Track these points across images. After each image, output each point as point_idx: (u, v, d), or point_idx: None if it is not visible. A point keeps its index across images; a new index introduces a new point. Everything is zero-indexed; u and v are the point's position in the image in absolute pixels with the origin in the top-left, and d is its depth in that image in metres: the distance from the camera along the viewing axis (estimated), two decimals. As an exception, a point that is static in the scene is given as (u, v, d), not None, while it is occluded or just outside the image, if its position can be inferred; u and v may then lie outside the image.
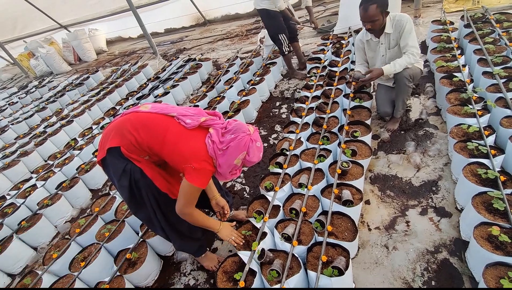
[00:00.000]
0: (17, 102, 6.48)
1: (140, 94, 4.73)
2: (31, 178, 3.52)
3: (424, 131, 2.57)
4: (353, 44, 3.76)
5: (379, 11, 2.18)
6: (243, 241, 1.89)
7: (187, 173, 1.50)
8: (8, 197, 3.29)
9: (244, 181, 2.76)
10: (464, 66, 2.70)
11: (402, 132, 2.65)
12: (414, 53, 2.32)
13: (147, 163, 1.65)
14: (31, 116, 5.36)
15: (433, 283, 1.63)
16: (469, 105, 2.28)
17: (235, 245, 1.86)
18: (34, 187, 3.25)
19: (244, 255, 1.79)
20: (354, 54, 3.17)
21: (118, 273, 1.99)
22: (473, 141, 2.01)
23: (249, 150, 1.54)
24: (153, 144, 1.55)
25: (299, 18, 3.99)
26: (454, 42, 3.06)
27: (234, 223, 1.99)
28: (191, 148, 1.51)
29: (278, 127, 3.30)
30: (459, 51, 2.90)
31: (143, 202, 1.71)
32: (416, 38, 2.33)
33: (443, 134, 2.50)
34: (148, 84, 4.96)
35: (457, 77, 2.60)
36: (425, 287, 1.63)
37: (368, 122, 2.58)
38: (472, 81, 2.64)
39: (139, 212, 1.80)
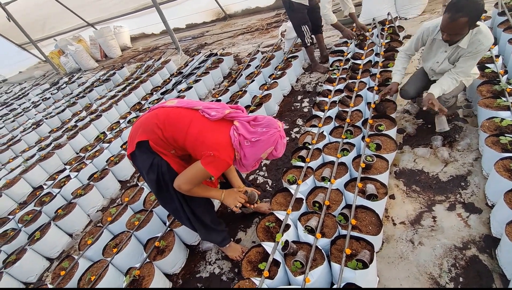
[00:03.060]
0: (49, 97, 6.84)
1: (164, 89, 4.87)
2: (65, 169, 3.73)
3: (453, 124, 2.48)
4: (377, 36, 3.66)
5: (468, 26, 1.82)
6: (245, 199, 1.91)
7: (204, 158, 1.52)
8: (45, 187, 3.52)
9: (266, 175, 2.80)
10: (497, 56, 2.58)
11: (429, 125, 2.57)
12: (458, 80, 2.12)
13: (173, 157, 1.71)
14: (63, 110, 5.66)
15: (461, 279, 1.60)
16: (502, 98, 2.18)
17: (239, 207, 1.88)
18: (68, 177, 3.45)
19: (268, 245, 1.84)
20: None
21: (147, 260, 2.10)
22: (506, 135, 1.93)
23: (277, 146, 1.60)
24: (178, 136, 1.60)
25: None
26: (487, 31, 2.91)
27: (243, 188, 2.01)
28: (214, 137, 1.54)
29: (299, 121, 3.30)
30: (492, 41, 2.76)
31: (170, 195, 1.78)
32: (473, 66, 2.11)
33: (473, 127, 2.41)
34: (171, 79, 5.09)
35: (490, 68, 2.48)
36: (452, 285, 1.60)
37: (393, 115, 2.53)
38: (506, 72, 2.51)
39: (167, 204, 1.89)
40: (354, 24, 3.72)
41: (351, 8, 3.57)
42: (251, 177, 2.83)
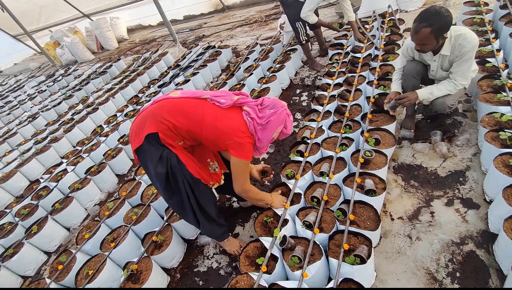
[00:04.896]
0: (45, 90, 6.75)
1: (161, 82, 4.81)
2: (61, 162, 3.71)
3: (452, 119, 2.47)
4: (377, 29, 3.62)
5: (433, 36, 1.84)
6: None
7: (232, 149, 1.60)
8: (41, 180, 3.49)
9: (264, 169, 2.79)
10: (498, 50, 2.55)
11: (428, 120, 2.56)
12: (458, 84, 2.04)
13: (181, 149, 1.69)
14: (59, 103, 5.59)
15: (457, 274, 1.61)
16: (502, 93, 2.17)
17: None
18: (65, 171, 3.42)
19: (266, 240, 1.84)
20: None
21: (145, 254, 2.09)
22: (506, 130, 1.92)
23: (286, 124, 1.68)
24: (193, 128, 1.60)
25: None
26: (488, 24, 2.88)
27: (279, 192, 2.16)
28: (232, 125, 1.59)
29: (298, 115, 3.28)
30: (493, 35, 2.74)
31: (177, 188, 1.74)
32: (470, 69, 2.03)
33: (472, 122, 2.40)
34: (169, 72, 5.03)
35: (491, 62, 2.46)
36: (449, 280, 1.61)
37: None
38: (507, 67, 2.48)
39: (173, 198, 1.82)
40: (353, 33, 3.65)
41: (350, 16, 3.47)
42: (249, 172, 2.81)
